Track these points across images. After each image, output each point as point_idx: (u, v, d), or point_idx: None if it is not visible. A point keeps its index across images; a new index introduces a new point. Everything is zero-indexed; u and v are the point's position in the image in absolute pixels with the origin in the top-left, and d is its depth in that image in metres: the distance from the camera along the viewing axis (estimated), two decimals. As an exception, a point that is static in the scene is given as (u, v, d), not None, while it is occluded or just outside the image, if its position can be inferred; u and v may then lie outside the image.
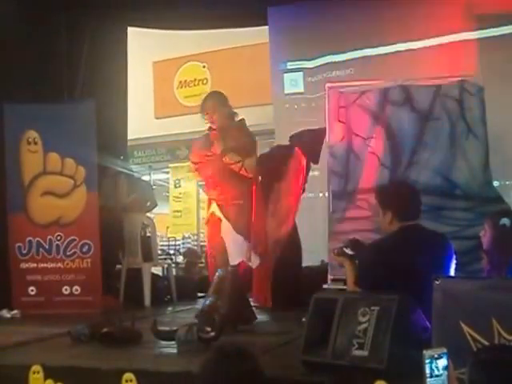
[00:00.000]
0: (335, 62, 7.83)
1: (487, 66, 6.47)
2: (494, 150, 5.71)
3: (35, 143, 6.64)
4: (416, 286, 3.42)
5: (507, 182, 6.61)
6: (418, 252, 3.67)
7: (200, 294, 7.33)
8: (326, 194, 7.58)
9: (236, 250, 5.42)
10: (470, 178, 5.53)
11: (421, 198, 3.95)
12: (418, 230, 3.85)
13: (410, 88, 5.81)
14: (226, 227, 5.88)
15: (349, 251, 4.10)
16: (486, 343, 2.81)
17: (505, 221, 4.16)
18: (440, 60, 7.00)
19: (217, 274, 5.35)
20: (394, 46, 7.25)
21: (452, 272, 3.79)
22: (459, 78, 5.75)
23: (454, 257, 3.84)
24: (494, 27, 6.81)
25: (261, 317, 5.63)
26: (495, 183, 5.89)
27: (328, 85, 6.22)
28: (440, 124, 5.63)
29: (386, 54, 7.28)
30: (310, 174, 8.06)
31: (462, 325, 2.89)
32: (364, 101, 5.88)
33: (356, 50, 7.50)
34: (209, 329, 4.31)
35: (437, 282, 3.05)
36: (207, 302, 5.20)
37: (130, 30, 9.01)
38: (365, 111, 5.87)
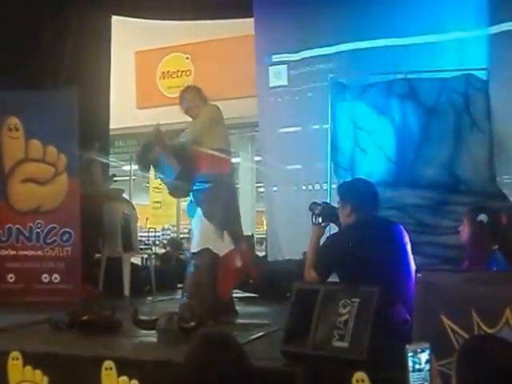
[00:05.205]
0: (319, 56, 7.82)
1: (497, 61, 6.43)
2: (502, 146, 5.73)
3: (17, 130, 6.59)
4: (372, 274, 3.59)
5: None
6: (371, 241, 3.83)
7: (180, 285, 7.33)
8: (310, 187, 7.68)
9: (202, 238, 5.34)
10: (474, 173, 5.52)
11: (377, 193, 4.12)
12: (371, 221, 4.02)
13: (415, 81, 5.79)
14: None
15: (319, 220, 4.17)
16: (466, 336, 2.84)
17: (482, 217, 4.20)
18: (434, 54, 6.96)
19: (192, 261, 5.32)
20: (382, 40, 7.23)
21: (408, 252, 3.91)
22: (465, 72, 5.74)
23: (407, 239, 3.95)
24: (506, 21, 6.73)
25: (241, 308, 5.65)
26: (506, 179, 5.90)
27: (331, 75, 6.18)
28: (445, 118, 5.62)
29: (373, 47, 7.26)
30: (293, 167, 8.13)
31: (443, 317, 2.92)
32: (368, 94, 5.86)
33: (342, 43, 7.49)
34: (189, 318, 4.32)
35: (418, 275, 3.09)
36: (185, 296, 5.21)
37: (113, 18, 8.97)
38: (369, 104, 5.85)
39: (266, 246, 8.93)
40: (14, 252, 6.53)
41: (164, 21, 9.78)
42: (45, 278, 6.48)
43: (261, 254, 8.94)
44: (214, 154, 5.26)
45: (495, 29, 6.73)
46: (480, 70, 5.98)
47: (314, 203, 4.28)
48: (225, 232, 5.20)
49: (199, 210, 5.29)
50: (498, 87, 5.91)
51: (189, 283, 5.26)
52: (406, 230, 4.00)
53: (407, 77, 5.95)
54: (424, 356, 2.23)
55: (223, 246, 5.22)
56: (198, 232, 5.32)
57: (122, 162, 14.41)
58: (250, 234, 8.57)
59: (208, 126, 5.35)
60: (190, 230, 5.47)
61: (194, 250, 5.34)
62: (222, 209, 5.24)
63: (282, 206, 7.90)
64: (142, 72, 13.75)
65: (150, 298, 7.17)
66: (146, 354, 3.93)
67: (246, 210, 13.34)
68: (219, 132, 5.42)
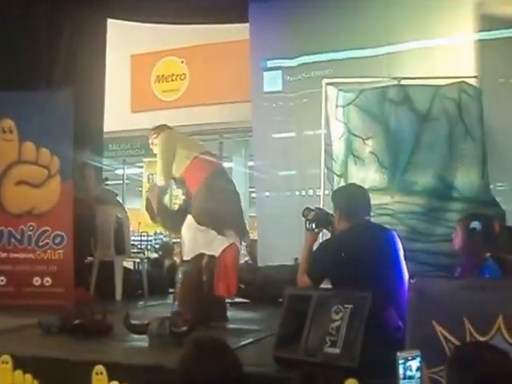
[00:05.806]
0: (314, 62, 7.83)
1: (488, 68, 6.44)
2: (494, 153, 5.74)
3: (11, 132, 6.57)
4: (365, 280, 3.57)
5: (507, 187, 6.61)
6: (364, 246, 3.82)
7: (171, 290, 7.30)
8: (303, 193, 7.68)
9: (193, 244, 5.33)
10: (467, 180, 5.53)
11: (370, 199, 4.11)
12: (365, 227, 4.01)
13: (409, 88, 5.81)
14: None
15: (313, 226, 4.16)
16: (458, 343, 2.83)
17: (475, 224, 4.21)
18: (429, 61, 6.98)
19: (182, 269, 5.32)
20: (378, 48, 7.24)
21: (401, 259, 3.89)
22: (458, 79, 5.75)
23: (400, 245, 3.94)
24: (498, 29, 6.76)
25: (232, 313, 5.64)
26: (498, 186, 5.90)
27: (325, 81, 6.17)
28: (438, 125, 5.62)
29: (370, 56, 7.28)
30: (286, 173, 8.13)
31: (435, 324, 2.92)
32: (362, 99, 5.86)
33: (339, 50, 7.50)
34: (181, 323, 4.31)
35: (411, 282, 3.08)
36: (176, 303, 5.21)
37: (109, 21, 8.96)
38: (363, 111, 5.85)
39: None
40: (5, 255, 6.50)
41: (159, 24, 9.78)
42: (36, 281, 6.45)
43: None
44: (187, 169, 5.35)
45: (487, 36, 6.77)
46: (473, 77, 6.00)
47: (307, 209, 4.28)
48: (221, 230, 5.20)
49: (189, 217, 5.30)
50: (490, 94, 5.93)
51: (178, 291, 5.25)
52: (398, 236, 4.00)
53: (401, 83, 5.96)
54: (415, 363, 2.24)
55: (219, 245, 5.22)
56: (188, 239, 5.32)
57: (115, 166, 14.40)
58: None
59: (166, 154, 5.43)
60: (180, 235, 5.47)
61: (185, 257, 5.33)
62: (213, 209, 5.23)
63: (274, 211, 7.90)
64: (136, 75, 13.74)
65: (141, 303, 7.14)
66: (137, 359, 3.92)
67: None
68: (182, 146, 5.46)
